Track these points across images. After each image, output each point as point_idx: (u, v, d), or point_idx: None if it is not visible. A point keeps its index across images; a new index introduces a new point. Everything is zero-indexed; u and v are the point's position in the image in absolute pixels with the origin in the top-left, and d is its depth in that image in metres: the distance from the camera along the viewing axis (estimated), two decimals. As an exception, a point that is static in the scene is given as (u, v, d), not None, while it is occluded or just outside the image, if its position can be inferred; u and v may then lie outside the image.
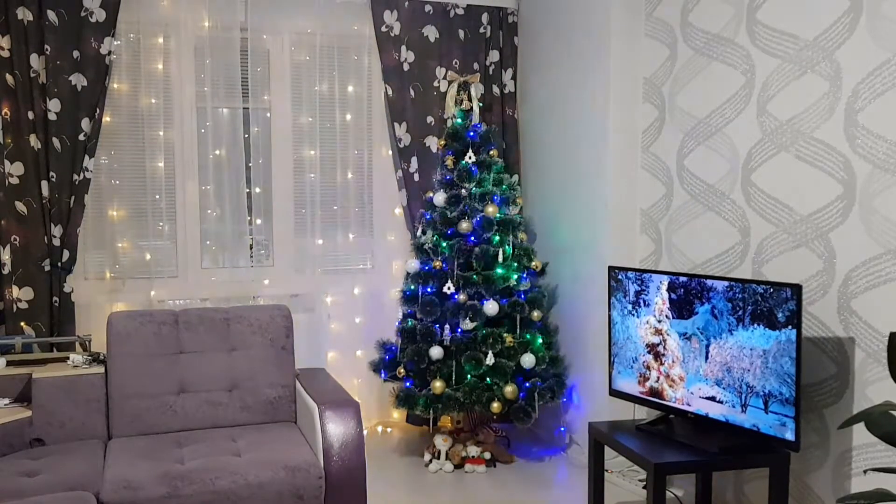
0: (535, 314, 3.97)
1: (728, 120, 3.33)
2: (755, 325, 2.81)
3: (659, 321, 3.22)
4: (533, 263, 4.06)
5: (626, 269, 3.37)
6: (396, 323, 4.14)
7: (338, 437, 2.84)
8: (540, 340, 3.96)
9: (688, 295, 3.08)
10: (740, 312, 2.87)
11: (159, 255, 4.32)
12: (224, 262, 4.48)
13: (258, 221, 4.52)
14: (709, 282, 2.99)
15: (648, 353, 3.28)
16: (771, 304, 2.75)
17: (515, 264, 3.99)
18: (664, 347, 3.20)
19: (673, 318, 3.15)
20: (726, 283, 2.92)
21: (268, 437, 3.03)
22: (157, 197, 4.26)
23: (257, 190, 4.49)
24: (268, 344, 3.29)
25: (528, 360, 3.87)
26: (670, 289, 3.16)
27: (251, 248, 4.53)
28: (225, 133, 4.37)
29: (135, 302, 4.22)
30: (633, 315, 3.34)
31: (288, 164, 4.54)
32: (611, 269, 3.45)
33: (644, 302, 3.28)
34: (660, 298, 3.21)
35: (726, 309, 2.92)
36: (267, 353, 3.28)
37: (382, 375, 4.10)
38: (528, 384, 3.91)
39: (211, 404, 3.18)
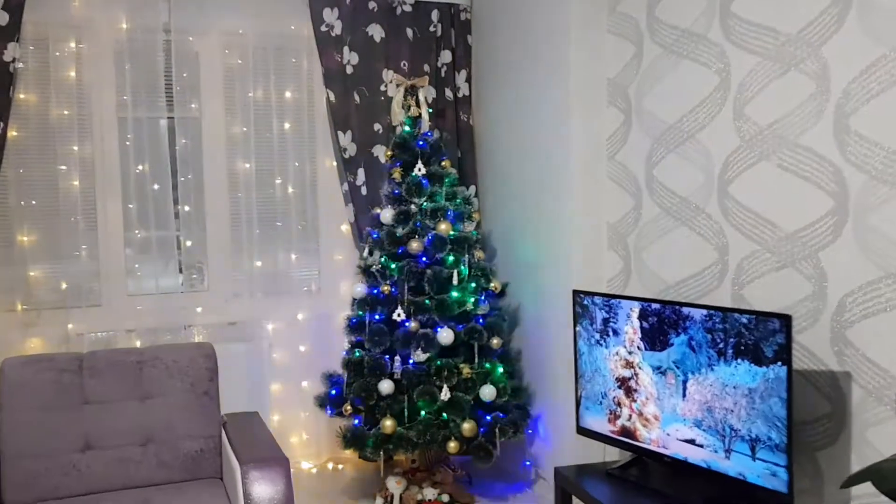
0: (495, 341, 3.60)
1: (701, 125, 2.99)
2: (739, 360, 2.47)
3: (630, 353, 2.87)
4: (492, 285, 3.69)
5: (592, 294, 3.01)
6: (343, 353, 3.75)
7: (263, 501, 2.44)
8: (501, 370, 3.60)
9: (661, 324, 2.73)
10: (721, 345, 2.52)
11: (78, 282, 3.88)
12: (152, 288, 4.05)
13: (188, 243, 4.10)
14: (685, 310, 2.64)
15: (619, 387, 2.92)
16: (756, 336, 2.40)
17: (473, 286, 3.62)
18: (636, 382, 2.85)
19: (645, 349, 2.80)
20: (704, 312, 2.57)
21: (187, 498, 2.63)
22: (74, 219, 3.83)
23: (186, 208, 4.08)
24: (188, 389, 2.88)
25: (487, 392, 3.50)
26: (642, 316, 2.80)
27: (181, 271, 4.12)
28: (148, 146, 3.95)
29: (52, 336, 3.78)
30: (602, 345, 2.99)
31: (221, 178, 4.13)
32: (576, 293, 3.10)
33: (613, 331, 2.93)
34: (630, 327, 2.86)
35: (705, 341, 2.57)
36: (187, 400, 2.87)
37: (328, 412, 3.71)
38: (488, 417, 3.54)
39: (122, 461, 2.77)
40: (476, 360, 3.57)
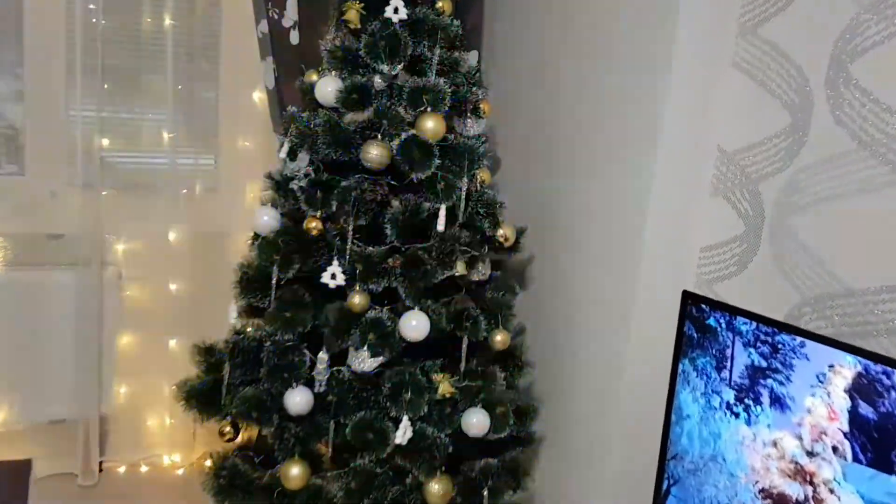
0: (499, 338, 2.06)
1: None
2: None
3: (811, 453, 1.38)
4: (500, 232, 2.11)
5: (731, 310, 1.49)
6: (231, 317, 2.18)
7: None
8: (503, 383, 2.09)
9: (917, 421, 1.24)
10: None
11: None
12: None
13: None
14: None
15: (767, 509, 1.45)
16: None
17: (468, 234, 2.04)
18: (816, 515, 1.37)
19: (856, 459, 1.31)
20: None
21: None
22: None
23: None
24: None
25: (476, 422, 1.99)
26: (861, 389, 1.30)
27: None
28: None
29: None
30: (735, 415, 1.49)
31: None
32: (688, 297, 1.57)
33: (774, 396, 1.43)
34: (824, 403, 1.35)
35: None
36: None
37: (197, 417, 2.17)
38: (472, 466, 2.07)
39: None
40: (463, 365, 2.04)
